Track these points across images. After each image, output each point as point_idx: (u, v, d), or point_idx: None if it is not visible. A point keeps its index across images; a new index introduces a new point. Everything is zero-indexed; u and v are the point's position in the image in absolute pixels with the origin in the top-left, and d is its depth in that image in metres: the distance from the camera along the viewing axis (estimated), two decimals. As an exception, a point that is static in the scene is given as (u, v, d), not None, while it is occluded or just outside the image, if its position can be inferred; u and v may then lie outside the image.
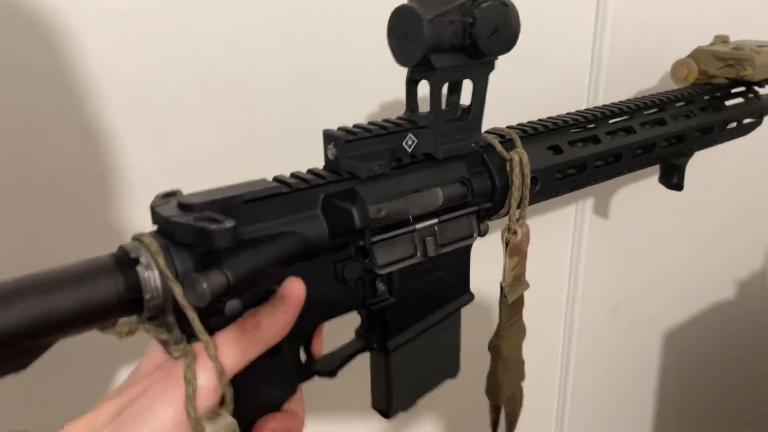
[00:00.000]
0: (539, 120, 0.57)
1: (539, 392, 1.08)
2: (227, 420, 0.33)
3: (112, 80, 0.55)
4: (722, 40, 0.78)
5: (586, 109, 0.60)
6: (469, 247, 0.48)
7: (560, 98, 0.85)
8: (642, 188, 0.95)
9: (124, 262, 0.32)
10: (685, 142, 0.67)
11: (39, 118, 0.53)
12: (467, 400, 0.73)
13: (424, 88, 0.44)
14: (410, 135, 0.43)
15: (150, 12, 0.55)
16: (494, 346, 0.56)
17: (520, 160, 0.50)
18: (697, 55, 0.75)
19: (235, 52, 0.60)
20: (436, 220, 0.45)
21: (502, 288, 0.54)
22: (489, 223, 0.50)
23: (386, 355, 0.46)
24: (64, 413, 0.33)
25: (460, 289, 0.50)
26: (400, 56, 0.42)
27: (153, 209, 0.34)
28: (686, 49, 0.76)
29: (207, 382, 0.33)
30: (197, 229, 0.31)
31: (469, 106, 0.46)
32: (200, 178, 0.38)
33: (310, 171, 0.41)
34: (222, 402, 0.34)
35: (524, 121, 0.57)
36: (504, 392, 0.56)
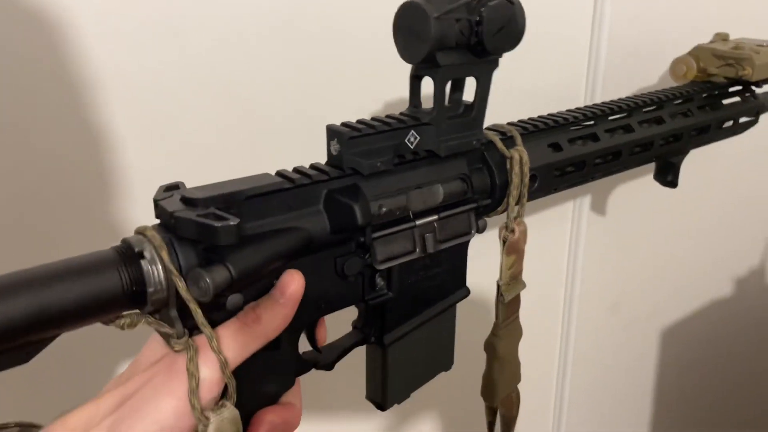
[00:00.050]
0: (539, 117, 0.57)
1: (537, 390, 1.08)
2: (230, 411, 0.34)
3: (112, 79, 0.55)
4: (722, 38, 0.78)
5: (585, 107, 0.60)
6: (467, 243, 0.49)
7: (557, 96, 0.85)
8: (640, 186, 0.95)
9: (128, 255, 0.32)
10: (682, 141, 0.67)
11: (39, 117, 0.54)
12: (465, 400, 0.73)
13: (427, 84, 0.44)
14: (413, 132, 0.43)
15: (149, 11, 0.55)
16: (490, 346, 0.56)
17: (520, 158, 0.50)
18: (697, 52, 0.75)
19: (235, 50, 0.60)
20: (436, 217, 0.45)
21: (498, 287, 0.54)
22: (487, 219, 0.51)
23: (383, 349, 0.46)
24: (65, 405, 0.33)
25: (456, 284, 0.50)
26: (405, 53, 0.42)
27: (156, 202, 0.34)
28: (685, 47, 0.76)
29: (210, 375, 0.33)
30: (202, 225, 0.32)
31: (472, 104, 0.46)
32: (200, 177, 0.39)
33: (312, 166, 0.41)
34: (224, 394, 0.34)
35: (521, 117, 0.57)
36: (499, 393, 0.57)
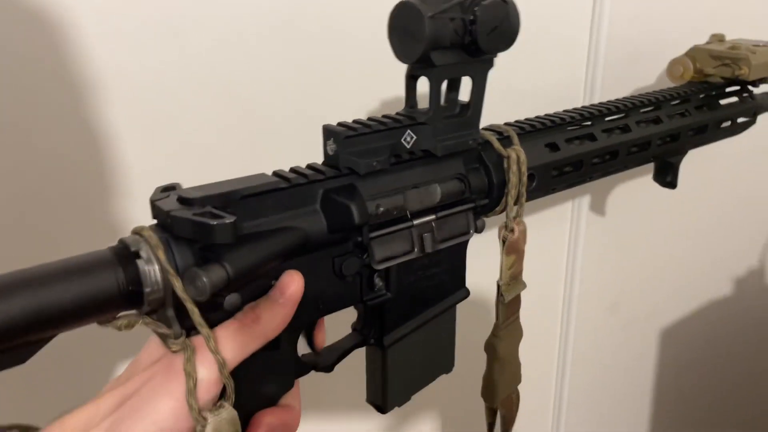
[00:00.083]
0: (537, 117, 0.57)
1: (536, 389, 1.08)
2: (229, 412, 0.34)
3: (113, 79, 0.55)
4: (718, 38, 0.79)
5: (582, 107, 0.61)
6: (466, 243, 0.49)
7: (556, 96, 0.85)
8: (639, 185, 0.95)
9: (125, 255, 0.32)
10: (679, 141, 0.67)
11: (39, 117, 0.54)
12: (465, 400, 0.73)
13: (423, 84, 0.44)
14: (409, 131, 0.43)
15: (150, 11, 0.55)
16: (491, 347, 0.56)
17: (517, 157, 0.50)
18: (694, 53, 0.75)
19: (235, 50, 0.60)
20: (433, 216, 0.45)
21: (499, 287, 0.54)
22: (486, 219, 0.51)
23: (383, 350, 0.46)
24: (63, 406, 0.33)
25: (456, 285, 0.50)
26: (400, 52, 0.42)
27: (153, 203, 0.34)
28: (682, 48, 0.77)
29: (207, 375, 0.33)
30: (198, 224, 0.32)
31: (468, 103, 0.46)
32: (200, 176, 0.39)
33: (309, 166, 0.42)
34: (222, 394, 0.34)
35: (520, 117, 0.57)
36: (500, 394, 0.57)
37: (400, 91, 0.46)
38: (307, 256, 0.39)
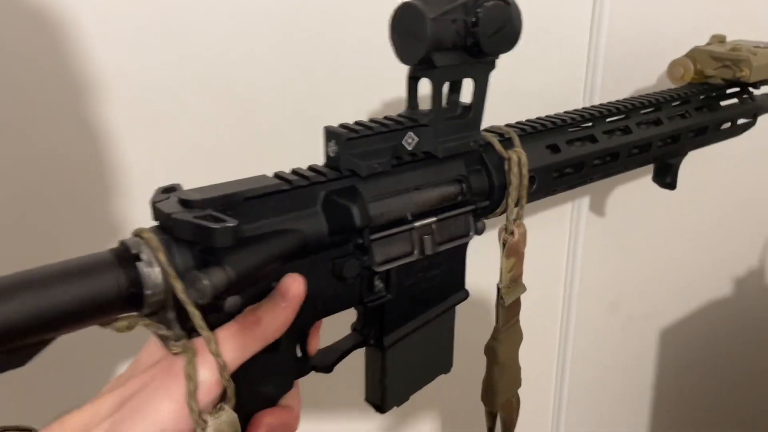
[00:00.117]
0: (538, 118, 0.57)
1: (536, 389, 1.08)
2: (229, 414, 0.34)
3: (113, 79, 0.55)
4: (719, 39, 0.79)
5: (583, 108, 0.60)
6: (466, 245, 0.49)
7: (556, 97, 0.85)
8: (638, 186, 0.95)
9: (125, 257, 0.32)
10: (680, 142, 0.67)
11: (39, 117, 0.54)
12: (464, 401, 0.73)
13: (424, 85, 0.44)
14: (411, 133, 0.43)
15: (150, 11, 0.55)
16: (490, 350, 0.56)
17: (518, 159, 0.50)
18: (694, 54, 0.75)
19: (235, 50, 0.60)
20: (434, 219, 0.45)
21: (499, 290, 0.54)
22: (486, 221, 0.51)
23: (382, 351, 0.46)
24: (63, 406, 0.33)
25: (455, 287, 0.50)
26: (402, 54, 0.42)
27: (154, 204, 0.34)
28: (683, 49, 0.76)
29: (208, 377, 0.33)
30: (199, 227, 0.32)
31: (470, 105, 0.46)
32: (199, 176, 0.39)
33: (310, 168, 0.41)
34: (223, 397, 0.34)
35: (519, 118, 0.57)
36: (500, 398, 0.56)
37: (402, 92, 0.46)
38: (308, 258, 0.39)
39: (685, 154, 0.71)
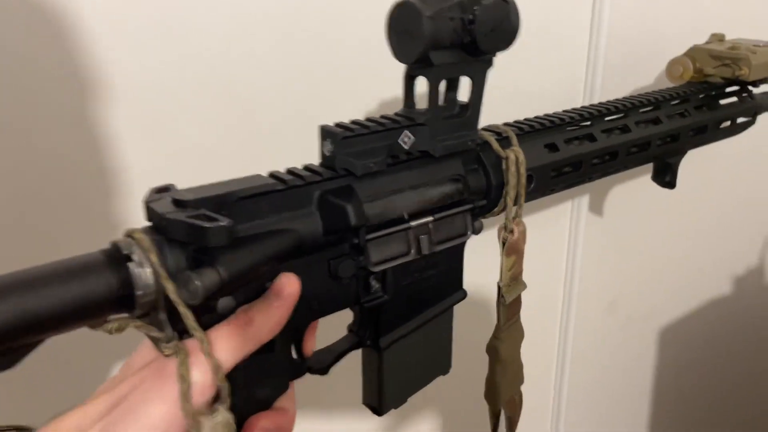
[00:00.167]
0: (536, 117, 0.57)
1: (535, 389, 1.08)
2: (224, 416, 0.33)
3: (113, 79, 0.55)
4: (718, 38, 0.78)
5: (582, 107, 0.60)
6: (463, 244, 0.48)
7: (556, 96, 0.85)
8: (638, 185, 0.95)
9: (116, 258, 0.31)
10: (679, 141, 0.67)
11: (39, 117, 0.53)
12: (464, 400, 0.73)
13: (421, 84, 0.44)
14: (407, 132, 0.43)
15: (150, 11, 0.55)
16: (492, 349, 0.55)
17: (516, 158, 0.50)
18: (693, 53, 0.75)
19: (235, 50, 0.60)
20: (431, 218, 0.45)
21: (499, 288, 0.53)
22: (485, 221, 0.50)
23: (379, 352, 0.46)
24: (57, 407, 0.33)
25: (453, 287, 0.50)
26: (398, 52, 0.42)
27: (147, 205, 0.34)
28: (682, 48, 0.76)
29: (201, 379, 0.32)
30: (192, 227, 0.31)
31: (467, 104, 0.46)
32: (199, 176, 0.38)
33: (306, 167, 0.41)
34: (217, 398, 0.34)
35: (519, 117, 0.56)
36: (503, 396, 0.56)
37: (399, 91, 0.45)
38: (303, 258, 0.39)
39: (684, 153, 0.71)
